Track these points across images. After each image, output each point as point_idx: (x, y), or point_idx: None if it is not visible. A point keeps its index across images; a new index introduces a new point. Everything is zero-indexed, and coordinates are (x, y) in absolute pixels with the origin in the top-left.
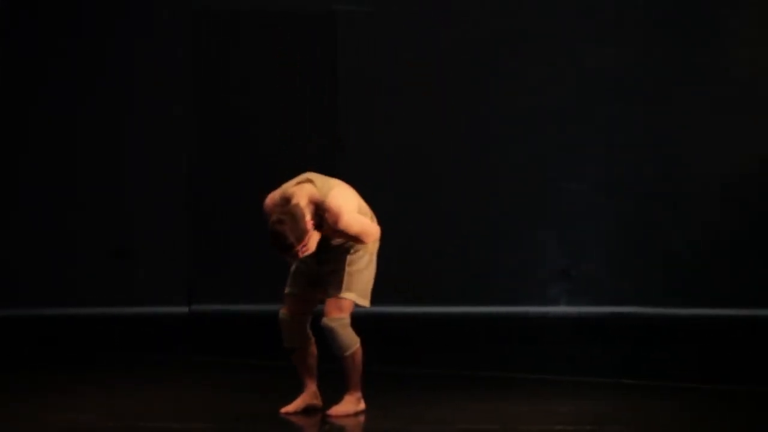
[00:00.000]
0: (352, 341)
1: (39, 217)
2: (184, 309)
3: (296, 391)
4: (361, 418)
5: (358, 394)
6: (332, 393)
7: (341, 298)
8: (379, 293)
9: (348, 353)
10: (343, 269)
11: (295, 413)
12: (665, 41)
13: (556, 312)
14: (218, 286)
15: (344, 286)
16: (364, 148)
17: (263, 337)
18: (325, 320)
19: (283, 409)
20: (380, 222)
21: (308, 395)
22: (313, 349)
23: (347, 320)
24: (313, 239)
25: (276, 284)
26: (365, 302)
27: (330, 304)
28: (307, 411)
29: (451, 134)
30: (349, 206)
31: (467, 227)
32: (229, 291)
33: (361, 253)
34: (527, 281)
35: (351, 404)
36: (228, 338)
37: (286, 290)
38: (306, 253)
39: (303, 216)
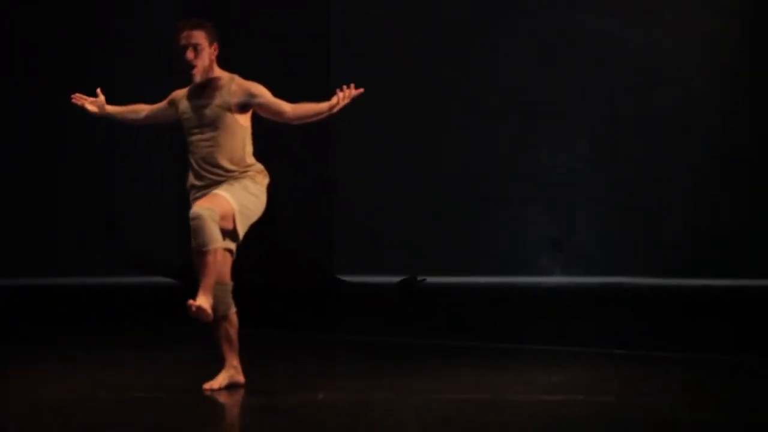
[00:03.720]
0: (214, 238)
1: (29, 190)
2: (175, 280)
3: (280, 362)
4: (354, 389)
5: (208, 294)
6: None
7: (218, 195)
8: (370, 263)
9: (208, 248)
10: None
11: (219, 389)
12: (658, 11)
13: (549, 282)
14: None
15: (227, 192)
16: (355, 122)
17: (253, 307)
18: (195, 208)
19: (206, 385)
20: (373, 191)
21: (230, 371)
22: (234, 320)
23: (217, 214)
24: (207, 51)
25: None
26: (240, 223)
27: (204, 198)
28: (230, 387)
29: (442, 107)
30: None
31: (461, 199)
32: None
33: (249, 182)
34: (519, 252)
35: (204, 300)
36: None
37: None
38: (196, 67)
39: (216, 32)
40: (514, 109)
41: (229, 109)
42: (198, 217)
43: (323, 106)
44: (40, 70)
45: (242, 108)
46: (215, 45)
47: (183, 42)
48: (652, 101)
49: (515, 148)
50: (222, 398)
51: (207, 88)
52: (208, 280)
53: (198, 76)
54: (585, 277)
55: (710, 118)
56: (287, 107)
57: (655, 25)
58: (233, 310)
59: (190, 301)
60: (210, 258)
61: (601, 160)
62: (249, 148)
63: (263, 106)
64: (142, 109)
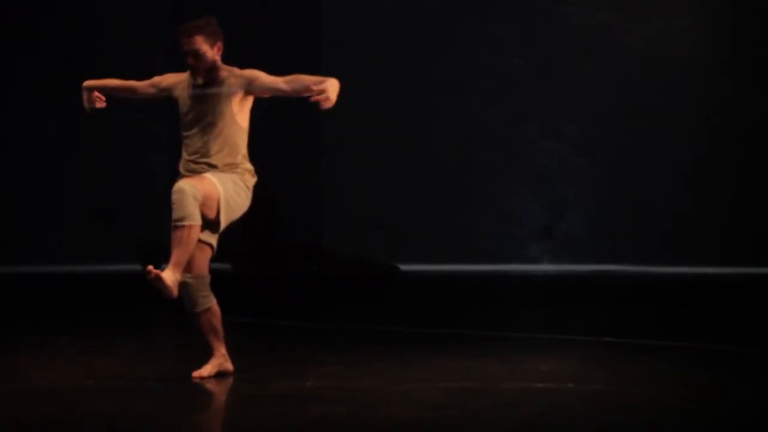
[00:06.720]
0: (192, 214)
1: (24, 178)
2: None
3: (269, 350)
4: (343, 377)
5: (177, 271)
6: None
7: (206, 178)
8: (358, 252)
9: (184, 223)
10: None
11: (208, 377)
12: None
13: (538, 270)
14: None
15: (216, 178)
16: (343, 110)
17: (243, 296)
18: (179, 182)
19: (195, 373)
20: (361, 180)
21: (219, 359)
22: (216, 310)
23: (200, 193)
24: (209, 54)
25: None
26: (223, 211)
27: (192, 177)
28: (219, 375)
29: (431, 97)
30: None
31: (450, 188)
32: None
33: (237, 178)
34: (509, 240)
35: (170, 275)
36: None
37: None
38: (198, 70)
39: (219, 28)
40: (505, 98)
41: (230, 103)
42: (180, 191)
43: (311, 82)
44: (38, 61)
45: (242, 102)
46: (219, 44)
47: (184, 48)
48: (643, 89)
49: (505, 136)
50: (211, 386)
51: (207, 83)
52: (180, 257)
53: (201, 78)
54: (575, 265)
55: (701, 106)
56: (282, 84)
57: (648, 12)
58: (214, 301)
59: (150, 267)
60: (185, 234)
61: (592, 148)
62: (243, 150)
63: (262, 88)
64: (136, 88)
